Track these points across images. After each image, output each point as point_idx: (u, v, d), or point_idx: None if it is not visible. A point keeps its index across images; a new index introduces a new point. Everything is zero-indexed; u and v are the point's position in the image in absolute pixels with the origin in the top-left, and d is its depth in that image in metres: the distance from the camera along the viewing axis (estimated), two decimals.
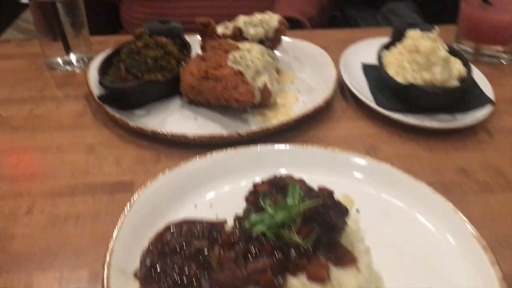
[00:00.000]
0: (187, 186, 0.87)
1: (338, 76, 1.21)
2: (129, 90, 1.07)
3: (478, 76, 1.20)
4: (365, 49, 1.35)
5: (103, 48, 1.28)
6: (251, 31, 1.19)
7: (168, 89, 1.17)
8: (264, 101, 1.10)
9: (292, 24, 1.73)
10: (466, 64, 1.15)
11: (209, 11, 1.75)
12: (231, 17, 1.78)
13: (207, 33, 1.24)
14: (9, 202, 0.89)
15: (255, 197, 0.70)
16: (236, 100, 1.02)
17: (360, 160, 0.93)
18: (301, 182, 0.74)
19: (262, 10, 1.79)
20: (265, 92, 1.08)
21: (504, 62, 1.36)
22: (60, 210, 0.88)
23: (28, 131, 1.10)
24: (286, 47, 1.34)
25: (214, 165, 0.91)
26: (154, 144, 1.04)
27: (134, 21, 1.87)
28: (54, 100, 1.21)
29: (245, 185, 0.80)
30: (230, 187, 0.89)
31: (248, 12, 1.78)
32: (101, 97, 1.10)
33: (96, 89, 1.13)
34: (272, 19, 1.20)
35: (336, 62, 1.28)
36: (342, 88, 1.23)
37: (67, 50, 1.33)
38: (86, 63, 1.36)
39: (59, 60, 1.34)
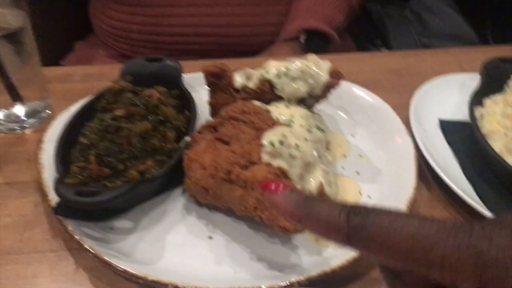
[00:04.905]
0: None
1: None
2: (107, 203, 0.66)
3: None
4: (438, 93, 0.96)
5: (65, 90, 0.87)
6: (288, 87, 0.78)
7: (166, 184, 0.76)
8: None
9: (315, 36, 1.33)
10: None
11: (209, 20, 1.33)
12: (239, 27, 1.38)
13: (219, 86, 0.82)
14: None
15: None
16: (280, 228, 0.62)
17: None
18: None
19: (276, 15, 1.39)
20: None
21: None
22: None
23: None
24: None
25: None
26: None
27: (107, 29, 1.43)
28: None
29: None
30: None
31: (260, 20, 1.38)
32: (59, 209, 0.69)
33: (52, 188, 0.71)
34: (321, 69, 0.79)
35: (396, 110, 0.90)
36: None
37: (15, 97, 0.91)
38: (41, 118, 0.94)
39: None
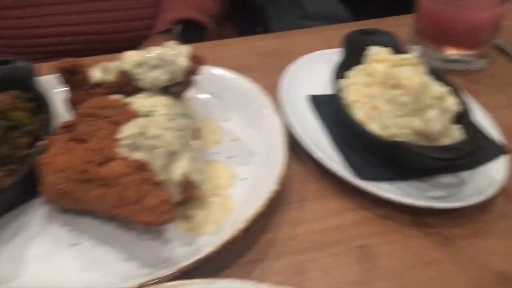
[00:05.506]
0: None
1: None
2: None
3: None
4: (306, 70, 0.97)
5: None
6: (147, 76, 0.75)
7: (23, 194, 0.70)
8: (187, 199, 0.68)
9: (190, 27, 1.31)
10: (456, 92, 0.83)
11: (76, 18, 1.25)
12: (109, 23, 1.31)
13: (76, 83, 0.77)
14: None
15: None
16: (143, 223, 0.59)
17: None
18: None
19: (148, 8, 1.34)
20: (188, 187, 0.67)
21: (470, 69, 1.06)
22: None
23: None
24: (198, 79, 0.90)
25: None
26: None
27: None
28: None
29: None
30: None
31: (132, 14, 1.33)
32: None
33: None
34: (179, 54, 0.76)
35: (269, 90, 0.90)
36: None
37: None
38: None
39: None
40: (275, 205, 0.73)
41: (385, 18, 1.25)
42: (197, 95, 0.91)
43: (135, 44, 1.30)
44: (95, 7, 1.25)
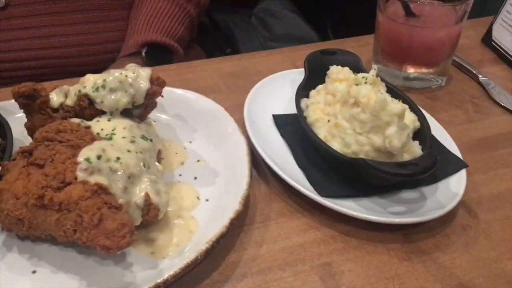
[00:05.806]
0: None
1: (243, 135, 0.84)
2: None
3: None
4: (271, 90, 0.98)
5: None
6: (107, 99, 0.75)
7: None
8: (149, 221, 0.68)
9: (158, 50, 1.31)
10: (414, 109, 0.85)
11: (39, 42, 1.24)
12: (74, 47, 1.30)
13: (34, 107, 0.76)
14: None
15: None
16: (102, 248, 0.58)
17: None
18: None
19: (114, 32, 1.34)
20: (149, 210, 0.66)
21: (433, 87, 1.09)
22: None
23: None
24: (162, 101, 0.91)
25: None
26: None
27: None
28: None
29: None
30: None
31: (97, 38, 1.32)
32: None
33: None
34: (140, 76, 0.76)
35: (234, 110, 0.90)
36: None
37: None
38: None
39: None
40: (239, 225, 0.73)
41: (349, 38, 1.28)
42: (161, 116, 0.91)
43: (101, 68, 1.30)
44: (61, 32, 1.24)
